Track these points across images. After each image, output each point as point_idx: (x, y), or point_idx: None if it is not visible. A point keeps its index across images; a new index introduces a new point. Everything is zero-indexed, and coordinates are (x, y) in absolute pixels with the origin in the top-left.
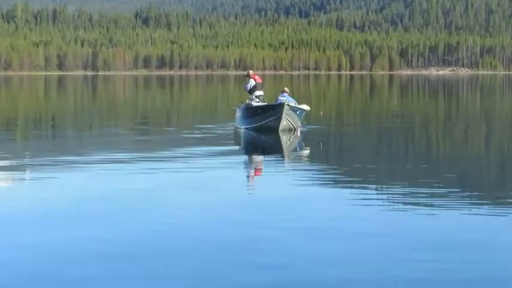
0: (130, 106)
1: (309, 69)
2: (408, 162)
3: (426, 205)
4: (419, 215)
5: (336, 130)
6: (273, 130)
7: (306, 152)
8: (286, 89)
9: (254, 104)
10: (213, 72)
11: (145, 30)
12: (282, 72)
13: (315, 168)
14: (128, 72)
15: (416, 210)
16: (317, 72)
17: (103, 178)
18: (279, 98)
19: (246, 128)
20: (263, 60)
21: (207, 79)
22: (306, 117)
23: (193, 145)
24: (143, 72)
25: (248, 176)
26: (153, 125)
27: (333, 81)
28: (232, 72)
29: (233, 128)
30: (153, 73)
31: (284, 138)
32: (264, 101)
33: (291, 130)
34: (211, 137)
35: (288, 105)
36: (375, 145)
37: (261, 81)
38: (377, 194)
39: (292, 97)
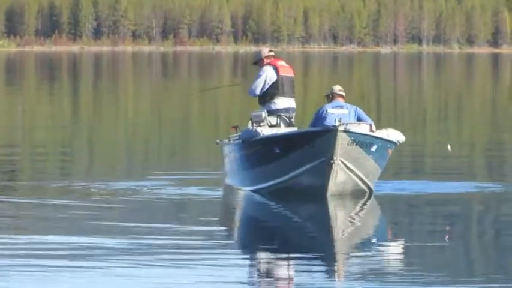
0: None
1: (420, 41)
2: None
3: None
4: None
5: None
6: (314, 194)
7: (396, 249)
8: (337, 89)
9: (264, 131)
10: (182, 48)
11: None
12: (352, 47)
13: None
14: None
15: None
16: (440, 47)
17: None
18: (327, 112)
19: (250, 190)
20: (304, 17)
21: (163, 62)
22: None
23: (131, 225)
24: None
25: None
26: (26, 179)
27: (481, 67)
28: (228, 48)
29: (221, 188)
30: (25, 49)
31: (341, 217)
32: (291, 123)
33: (360, 192)
34: (170, 209)
35: (346, 130)
36: None
37: (290, 73)
38: None
39: (356, 109)
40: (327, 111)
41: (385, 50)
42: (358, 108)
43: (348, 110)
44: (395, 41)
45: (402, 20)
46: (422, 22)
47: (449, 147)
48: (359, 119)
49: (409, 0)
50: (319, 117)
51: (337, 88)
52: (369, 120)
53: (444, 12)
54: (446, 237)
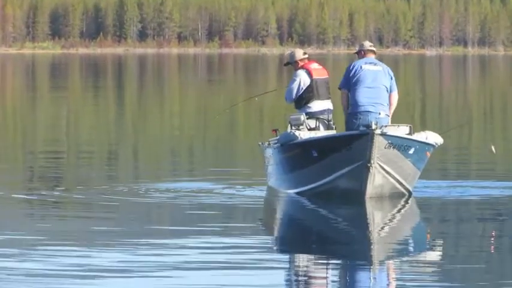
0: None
1: (465, 43)
2: None
3: None
4: None
5: None
6: (352, 197)
7: (434, 253)
8: (367, 44)
9: (302, 135)
10: (227, 50)
11: None
12: (398, 49)
13: None
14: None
15: None
16: (485, 49)
17: None
18: (361, 68)
19: (294, 192)
20: (350, 19)
21: (208, 64)
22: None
23: (177, 226)
24: (45, 48)
25: None
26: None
27: None
28: (274, 50)
29: (264, 190)
30: (70, 51)
31: (378, 219)
32: (330, 125)
33: (399, 195)
34: (213, 210)
35: (383, 133)
36: None
37: (324, 75)
38: None
39: (389, 70)
40: (361, 67)
41: (430, 52)
42: (390, 70)
43: (381, 67)
44: (440, 43)
45: (447, 22)
46: (467, 24)
47: (493, 148)
48: (391, 82)
49: (454, 3)
50: (354, 74)
51: (368, 44)
52: (395, 87)
53: (489, 15)
54: (492, 239)
